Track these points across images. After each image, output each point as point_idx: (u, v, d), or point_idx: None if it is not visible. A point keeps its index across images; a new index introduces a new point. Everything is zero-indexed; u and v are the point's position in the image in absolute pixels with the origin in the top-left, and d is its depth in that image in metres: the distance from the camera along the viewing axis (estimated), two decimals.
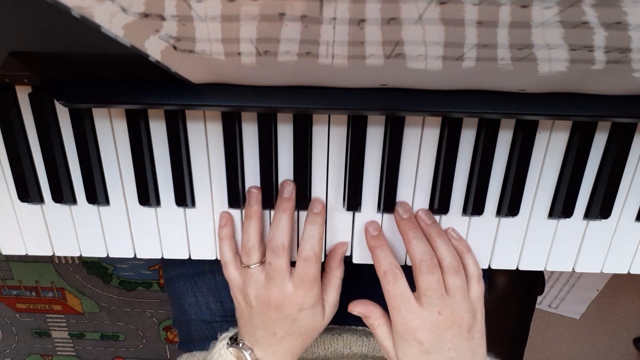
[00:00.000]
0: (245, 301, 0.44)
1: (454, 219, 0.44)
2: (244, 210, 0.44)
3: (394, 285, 0.40)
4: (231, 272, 0.44)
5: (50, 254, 0.46)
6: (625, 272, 0.47)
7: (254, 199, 0.43)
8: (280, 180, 0.43)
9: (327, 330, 0.56)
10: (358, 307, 0.45)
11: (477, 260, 0.43)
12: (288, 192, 0.42)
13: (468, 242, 0.45)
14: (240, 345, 0.45)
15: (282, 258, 0.41)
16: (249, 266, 0.43)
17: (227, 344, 0.45)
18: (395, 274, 0.41)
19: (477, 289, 0.42)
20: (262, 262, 0.43)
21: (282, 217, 0.42)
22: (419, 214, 0.43)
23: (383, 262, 0.41)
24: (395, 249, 0.45)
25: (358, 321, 0.57)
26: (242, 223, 0.44)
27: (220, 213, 0.44)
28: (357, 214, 0.44)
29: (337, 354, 0.54)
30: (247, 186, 0.43)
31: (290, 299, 0.42)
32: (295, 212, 0.44)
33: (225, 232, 0.44)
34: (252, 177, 0.43)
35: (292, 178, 0.42)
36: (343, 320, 0.58)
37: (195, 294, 0.59)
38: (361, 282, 0.53)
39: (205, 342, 0.53)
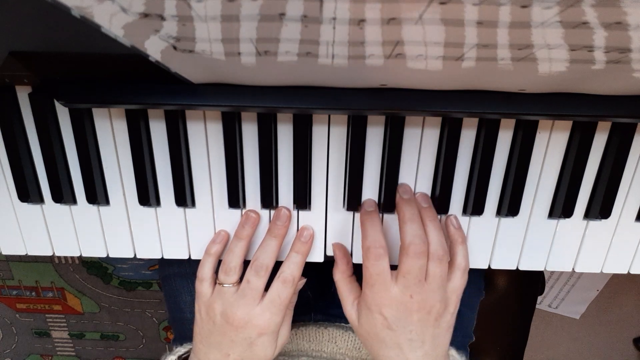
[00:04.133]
0: (208, 316, 0.43)
1: None
2: (235, 230, 0.44)
3: (373, 263, 0.39)
4: (205, 288, 0.44)
5: (50, 254, 0.46)
6: (625, 272, 0.47)
7: (250, 222, 0.43)
8: (280, 180, 0.43)
9: (313, 323, 0.56)
10: (336, 249, 0.45)
11: (468, 253, 0.43)
12: (282, 221, 0.43)
13: (468, 243, 0.45)
14: None
15: (262, 279, 0.42)
16: (223, 284, 0.43)
17: None
18: (378, 253, 0.39)
19: (458, 281, 0.41)
20: (236, 283, 0.43)
21: (272, 242, 0.43)
22: (416, 195, 0.42)
23: (369, 238, 0.40)
24: (394, 251, 0.45)
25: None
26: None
27: (218, 230, 0.45)
28: (357, 214, 0.44)
29: (321, 347, 0.54)
30: (247, 186, 0.43)
31: (254, 321, 0.42)
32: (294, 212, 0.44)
33: (215, 249, 0.44)
34: (252, 177, 0.43)
35: (291, 178, 0.42)
36: (332, 318, 0.58)
37: (192, 293, 0.59)
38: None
39: None
